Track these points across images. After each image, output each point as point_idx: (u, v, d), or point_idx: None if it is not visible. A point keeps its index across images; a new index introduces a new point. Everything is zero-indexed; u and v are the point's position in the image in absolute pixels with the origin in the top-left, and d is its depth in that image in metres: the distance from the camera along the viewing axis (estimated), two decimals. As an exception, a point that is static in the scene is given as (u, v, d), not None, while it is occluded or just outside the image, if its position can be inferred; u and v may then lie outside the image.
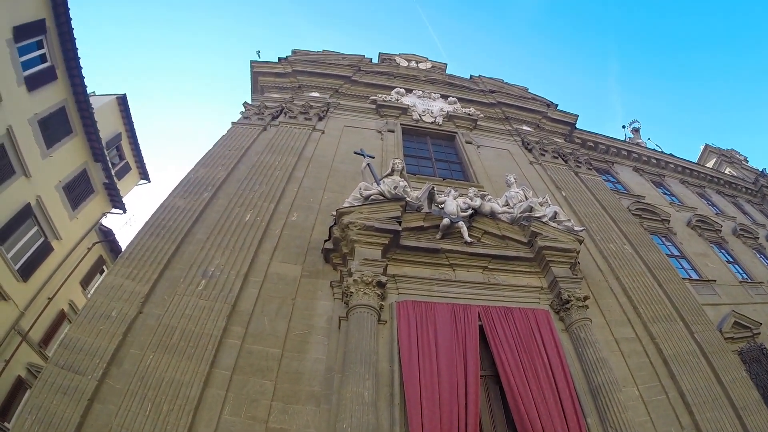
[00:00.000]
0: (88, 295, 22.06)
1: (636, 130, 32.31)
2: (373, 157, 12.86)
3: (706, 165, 33.87)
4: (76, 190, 21.45)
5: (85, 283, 23.06)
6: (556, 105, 22.65)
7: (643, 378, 10.28)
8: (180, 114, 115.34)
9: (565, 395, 8.81)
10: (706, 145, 41.68)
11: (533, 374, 8.98)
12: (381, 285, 9.37)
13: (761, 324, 16.04)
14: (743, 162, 40.04)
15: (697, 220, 21.88)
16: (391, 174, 11.99)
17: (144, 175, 28.75)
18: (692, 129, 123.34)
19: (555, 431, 8.17)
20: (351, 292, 9.07)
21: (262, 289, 9.51)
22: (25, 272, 18.01)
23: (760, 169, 35.82)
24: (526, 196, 12.73)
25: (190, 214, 10.88)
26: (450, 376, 8.36)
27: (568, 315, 10.41)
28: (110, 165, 23.87)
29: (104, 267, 24.77)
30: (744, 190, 31.46)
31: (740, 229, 23.97)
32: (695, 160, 31.96)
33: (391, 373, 8.38)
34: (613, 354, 10.42)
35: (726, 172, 34.73)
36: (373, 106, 18.78)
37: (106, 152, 23.16)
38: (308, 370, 8.29)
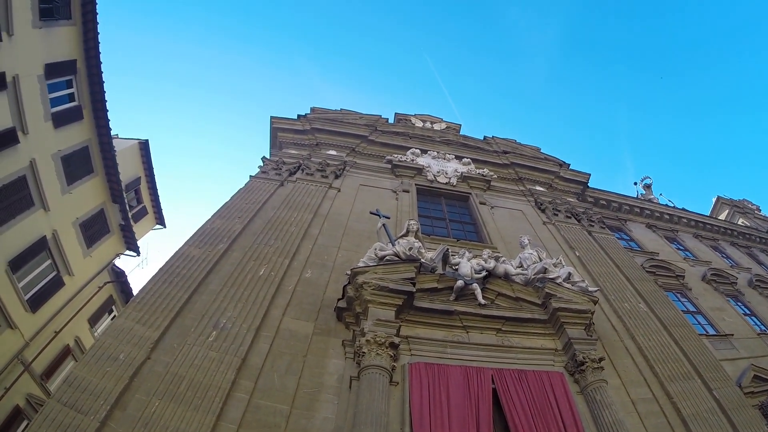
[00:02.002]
0: (95, 333, 22.06)
1: (648, 186, 31.74)
2: (388, 218, 12.70)
3: (719, 217, 33.07)
4: (92, 229, 21.38)
5: (93, 321, 22.76)
6: (569, 164, 22.59)
7: (661, 439, 9.69)
8: (199, 164, 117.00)
9: (582, 461, 8.28)
10: (718, 197, 40.78)
11: (548, 438, 8.50)
12: (394, 346, 9.08)
13: (782, 374, 15.06)
14: (756, 211, 39.00)
15: (712, 274, 21.18)
16: (406, 235, 11.87)
17: (160, 221, 28.63)
18: (704, 182, 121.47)
19: (572, 499, 7.65)
20: (363, 352, 8.79)
21: (273, 345, 9.26)
22: (35, 303, 17.76)
23: (773, 217, 34.69)
24: (540, 257, 12.46)
25: (205, 264, 10.78)
26: (463, 440, 8.00)
27: (584, 377, 9.94)
28: (128, 207, 23.89)
29: (113, 307, 24.45)
30: (758, 239, 30.50)
31: (756, 280, 23.12)
32: (708, 213, 31.10)
33: (403, 435, 8.11)
34: (630, 415, 9.88)
35: (739, 222, 33.86)
36: (389, 166, 18.82)
37: (124, 194, 23.22)
38: (317, 429, 7.95)
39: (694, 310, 17.81)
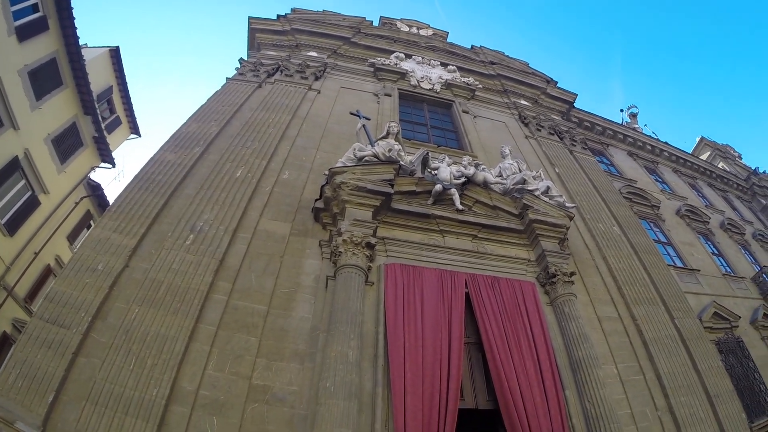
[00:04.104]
0: (75, 250, 21.96)
1: (634, 116, 32.65)
2: (369, 119, 12.92)
3: (700, 157, 34.49)
4: (65, 144, 21.22)
5: (72, 238, 22.97)
6: (556, 82, 22.79)
7: (622, 357, 10.69)
8: (174, 69, 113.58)
9: (545, 367, 9.18)
10: (702, 138, 42.39)
11: (516, 344, 9.31)
12: (370, 246, 9.54)
13: (740, 317, 16.76)
14: (737, 158, 40.84)
15: (686, 210, 22.41)
16: (386, 137, 12.10)
17: (134, 130, 28.55)
18: (690, 121, 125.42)
19: (534, 401, 8.54)
20: (340, 252, 9.22)
21: (250, 246, 9.64)
22: (12, 226, 17.90)
23: (753, 168, 36.66)
24: (519, 169, 12.94)
25: (181, 168, 10.91)
26: (434, 340, 8.62)
27: (554, 289, 10.76)
28: (100, 118, 23.58)
29: (91, 222, 24.55)
30: (735, 186, 32.19)
31: (728, 224, 24.62)
32: (690, 152, 32.60)
33: (376, 334, 8.62)
34: (594, 331, 10.80)
35: (719, 166, 35.44)
36: (372, 69, 18.79)
37: (96, 105, 22.86)
38: (293, 328, 8.49)
39: (665, 241, 18.96)
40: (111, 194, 33.88)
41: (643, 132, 29.41)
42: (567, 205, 12.49)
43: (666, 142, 28.80)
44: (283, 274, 9.36)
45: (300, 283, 9.32)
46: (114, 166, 25.45)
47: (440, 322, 9.00)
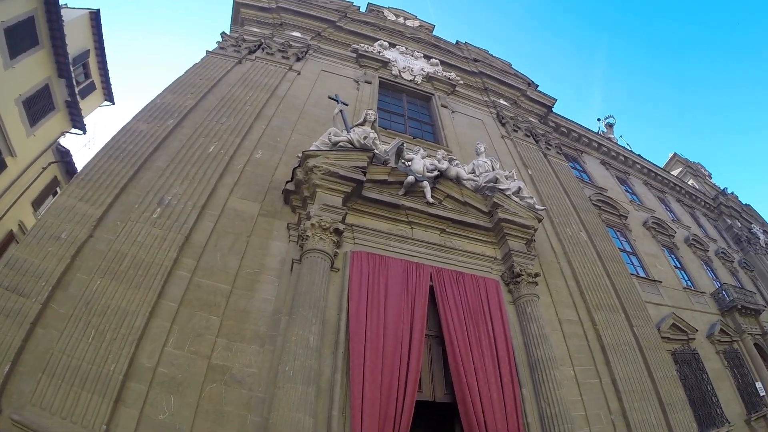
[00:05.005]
0: (39, 217, 21.39)
1: (610, 126, 33.36)
2: (347, 105, 12.99)
3: (672, 173, 35.54)
4: (36, 106, 20.81)
5: (37, 204, 22.47)
6: (537, 85, 23.12)
7: (580, 360, 11.10)
8: (154, 39, 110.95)
9: (504, 364, 9.47)
10: (675, 154, 43.77)
11: (476, 340, 9.57)
12: (338, 232, 9.65)
13: (697, 331, 17.43)
14: (707, 177, 42.30)
15: (653, 222, 23.15)
16: (362, 124, 12.16)
17: (109, 97, 28.06)
18: (664, 137, 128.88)
19: (491, 397, 8.81)
20: (307, 236, 9.30)
21: (217, 223, 9.66)
22: None
23: (722, 188, 38.14)
24: (493, 167, 13.19)
25: (153, 139, 10.83)
26: (396, 330, 8.79)
27: (518, 288, 11.06)
28: (75, 82, 23.16)
29: (58, 189, 23.96)
30: (703, 203, 33.32)
31: (693, 239, 25.48)
32: (662, 166, 33.69)
33: (339, 321, 8.75)
34: (555, 333, 11.17)
35: (689, 183, 36.59)
36: (354, 55, 18.82)
37: (71, 69, 22.41)
38: (256, 310, 8.58)
39: (630, 250, 19.54)
40: (80, 161, 33.20)
41: (618, 143, 30.16)
42: (537, 207, 12.80)
43: (639, 155, 29.61)
44: (248, 254, 9.42)
45: (265, 265, 9.39)
46: (85, 132, 25.03)
47: (403, 313, 9.17)
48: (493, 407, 8.75)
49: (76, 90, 23.48)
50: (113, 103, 28.43)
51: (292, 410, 6.96)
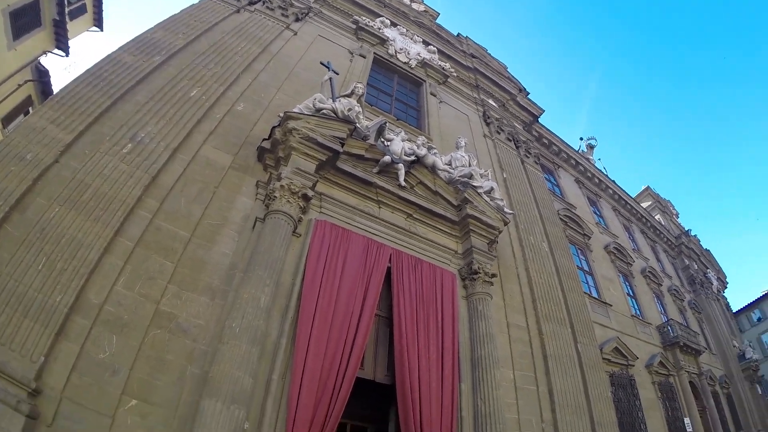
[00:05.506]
0: (6, 134, 20.85)
1: (591, 147, 33.95)
2: (337, 74, 12.96)
3: (641, 204, 36.55)
4: (23, 20, 20.18)
5: (7, 121, 21.86)
6: (528, 93, 23.28)
7: (521, 365, 11.41)
8: None
9: (448, 356, 9.68)
10: (647, 187, 45.00)
11: (425, 327, 9.76)
12: (306, 198, 9.65)
13: (638, 358, 18.07)
14: (674, 216, 43.61)
15: (614, 247, 23.81)
16: (349, 95, 12.15)
17: (98, 23, 27.42)
18: (642, 169, 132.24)
19: (430, 385, 9.01)
20: (275, 197, 9.28)
21: (187, 169, 9.53)
22: None
23: (686, 229, 39.37)
24: (470, 163, 13.31)
25: (136, 73, 10.58)
26: (347, 305, 8.90)
27: (473, 285, 11.28)
28: (66, 1, 22.68)
29: (30, 109, 23.37)
30: (665, 240, 34.36)
31: (649, 271, 26.32)
32: (633, 196, 34.53)
33: (292, 286, 8.79)
34: (501, 335, 11.43)
35: (656, 218, 37.69)
36: (353, 27, 18.64)
37: None
38: (212, 262, 8.55)
39: (588, 270, 20.12)
40: (58, 85, 32.24)
41: (595, 165, 30.77)
42: (506, 210, 13.01)
43: (613, 181, 30.32)
44: (213, 205, 9.35)
45: (228, 218, 9.35)
46: (67, 55, 24.40)
47: (357, 289, 9.29)
48: (430, 396, 8.94)
49: (66, 10, 22.94)
50: (101, 30, 27.84)
51: (233, 367, 6.98)
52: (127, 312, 7.27)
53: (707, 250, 40.61)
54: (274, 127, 10.44)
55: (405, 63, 18.74)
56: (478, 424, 9.33)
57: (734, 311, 45.80)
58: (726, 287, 42.90)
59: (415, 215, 11.79)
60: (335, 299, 8.90)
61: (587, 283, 19.21)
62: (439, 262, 11.52)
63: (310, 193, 9.82)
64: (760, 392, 30.25)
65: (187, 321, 7.69)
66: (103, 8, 27.23)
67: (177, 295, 7.85)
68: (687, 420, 19.46)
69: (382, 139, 11.99)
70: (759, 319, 52.24)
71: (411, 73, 18.80)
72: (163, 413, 6.79)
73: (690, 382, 21.98)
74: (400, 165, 11.58)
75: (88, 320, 6.90)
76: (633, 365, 17.72)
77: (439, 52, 20.51)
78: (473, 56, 22.04)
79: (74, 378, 6.43)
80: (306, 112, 10.59)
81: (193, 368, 7.29)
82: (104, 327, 6.98)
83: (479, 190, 12.58)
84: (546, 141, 25.65)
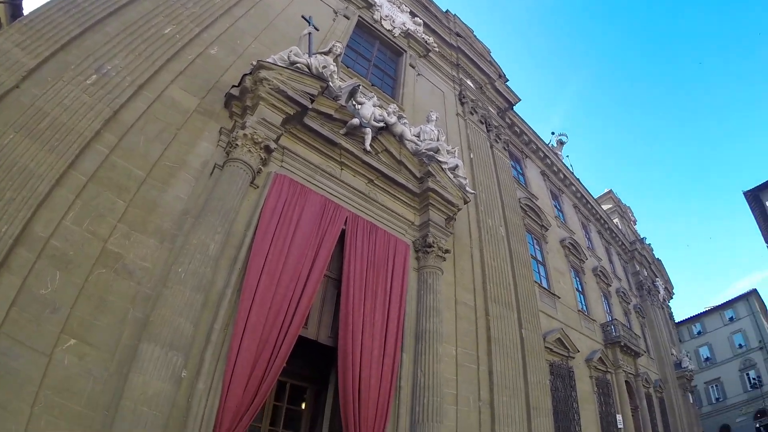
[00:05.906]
0: None
1: (561, 143, 34.35)
2: (317, 30, 12.80)
3: (602, 206, 37.47)
4: None
5: None
6: (507, 79, 23.43)
7: (465, 343, 11.64)
8: None
9: (392, 325, 9.81)
10: (610, 191, 46.16)
11: (372, 293, 9.84)
12: (268, 150, 9.55)
13: (579, 352, 18.61)
14: (632, 222, 44.95)
15: (570, 243, 24.37)
16: (326, 53, 11.96)
17: None
18: (608, 171, 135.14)
19: (372, 352, 9.11)
20: (236, 145, 9.15)
21: (151, 107, 9.25)
22: None
23: (642, 236, 40.61)
24: (438, 138, 13.33)
25: (110, 3, 10.11)
26: (297, 262, 8.87)
27: (426, 258, 11.41)
28: None
29: None
30: (620, 243, 35.28)
31: (600, 271, 27.02)
32: (595, 197, 35.26)
33: (243, 237, 8.71)
34: (448, 311, 11.64)
35: (615, 221, 38.68)
36: None
37: None
38: (164, 204, 8.37)
39: (541, 260, 20.55)
40: (28, 8, 30.80)
41: (563, 160, 31.31)
42: (468, 189, 13.14)
43: (578, 179, 30.86)
44: (173, 147, 9.11)
45: (186, 162, 9.13)
46: None
47: (309, 247, 9.27)
48: (371, 361, 9.05)
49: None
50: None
51: (175, 313, 6.91)
52: (73, 248, 7.07)
53: (659, 260, 41.95)
54: (245, 75, 10.17)
55: (388, 31, 18.48)
56: (416, 395, 9.53)
57: (677, 321, 47.65)
58: (672, 297, 44.47)
59: (376, 181, 11.77)
60: (285, 255, 8.83)
61: (539, 273, 19.59)
62: (395, 231, 11.59)
63: (273, 145, 9.68)
64: (692, 401, 31.56)
65: (133, 263, 7.53)
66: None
67: (126, 235, 7.67)
68: (619, 417, 20.21)
69: (354, 102, 11.84)
70: (699, 333, 54.67)
71: (393, 42, 18.57)
72: (101, 355, 6.65)
73: (626, 381, 22.85)
74: (368, 129, 11.52)
75: (33, 254, 6.68)
76: (573, 358, 18.21)
77: (425, 25, 20.30)
78: (458, 35, 21.91)
79: (13, 313, 6.22)
80: (280, 64, 10.36)
81: (136, 311, 7.16)
82: (48, 262, 6.78)
83: (444, 166, 12.64)
84: (518, 129, 25.89)
